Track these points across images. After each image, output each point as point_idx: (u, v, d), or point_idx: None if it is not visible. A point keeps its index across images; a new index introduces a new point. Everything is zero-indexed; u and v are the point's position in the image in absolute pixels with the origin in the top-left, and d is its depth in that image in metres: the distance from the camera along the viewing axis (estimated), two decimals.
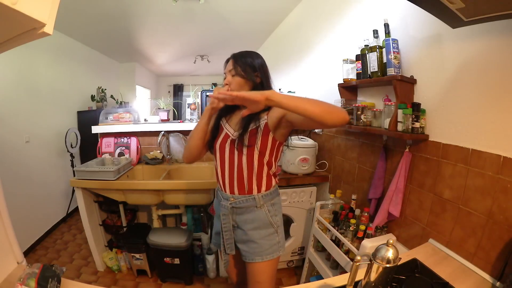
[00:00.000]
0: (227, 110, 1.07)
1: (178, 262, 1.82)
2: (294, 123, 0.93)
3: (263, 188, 1.02)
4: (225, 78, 1.02)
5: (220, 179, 1.05)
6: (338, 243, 1.36)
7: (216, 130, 1.08)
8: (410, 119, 1.11)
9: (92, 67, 3.97)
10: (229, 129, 1.04)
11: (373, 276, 0.60)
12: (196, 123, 2.45)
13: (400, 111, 1.12)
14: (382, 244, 0.60)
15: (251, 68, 0.99)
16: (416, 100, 1.17)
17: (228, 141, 1.01)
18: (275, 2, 2.43)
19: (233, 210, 1.02)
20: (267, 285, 1.04)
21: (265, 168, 1.01)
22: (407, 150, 1.19)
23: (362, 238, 1.21)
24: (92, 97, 3.78)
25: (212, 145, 1.07)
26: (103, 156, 2.12)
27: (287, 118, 0.92)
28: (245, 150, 0.97)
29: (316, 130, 2.04)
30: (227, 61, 1.03)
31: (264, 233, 1.02)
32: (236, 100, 0.79)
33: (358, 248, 1.20)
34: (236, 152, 0.99)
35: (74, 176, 1.82)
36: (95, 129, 2.19)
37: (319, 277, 1.55)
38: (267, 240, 1.02)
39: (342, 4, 1.74)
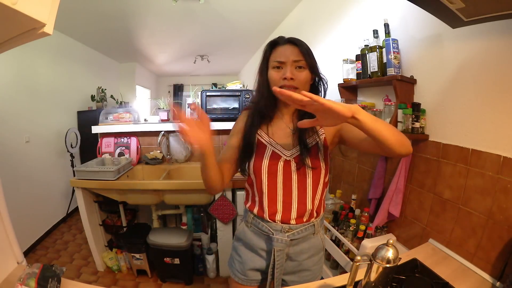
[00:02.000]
0: (259, 118, 0.86)
1: (178, 262, 1.82)
2: (347, 141, 0.81)
3: (322, 211, 0.87)
4: (276, 67, 0.79)
5: (269, 208, 0.83)
6: (338, 243, 1.36)
7: (250, 145, 0.84)
8: (410, 119, 1.11)
9: (92, 67, 3.97)
10: (276, 145, 0.83)
11: (373, 276, 0.60)
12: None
13: (400, 111, 1.12)
14: (382, 244, 0.60)
15: (316, 62, 0.81)
16: (416, 100, 1.17)
17: (281, 163, 0.81)
18: (276, 2, 2.43)
19: (290, 242, 0.83)
20: None
21: (326, 189, 0.87)
22: None
23: (362, 238, 1.21)
24: (92, 97, 3.78)
25: (246, 165, 0.86)
26: (103, 156, 2.12)
27: (342, 135, 0.81)
28: (309, 173, 0.81)
29: None
30: (273, 45, 0.81)
31: (317, 259, 0.89)
32: (310, 107, 0.59)
33: (358, 248, 1.20)
34: (295, 176, 0.81)
35: (74, 176, 1.82)
36: (95, 129, 2.19)
37: None
38: (318, 264, 0.91)
39: (342, 4, 1.74)
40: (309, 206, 0.82)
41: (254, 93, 0.90)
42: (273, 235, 0.82)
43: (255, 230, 0.88)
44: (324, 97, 0.82)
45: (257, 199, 0.86)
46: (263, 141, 0.84)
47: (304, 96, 0.56)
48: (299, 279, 0.88)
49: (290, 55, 0.77)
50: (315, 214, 0.85)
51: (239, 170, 0.90)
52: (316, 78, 0.84)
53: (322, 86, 0.86)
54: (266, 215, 0.83)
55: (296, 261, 0.86)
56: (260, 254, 0.89)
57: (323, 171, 0.82)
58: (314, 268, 0.89)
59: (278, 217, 0.82)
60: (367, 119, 0.61)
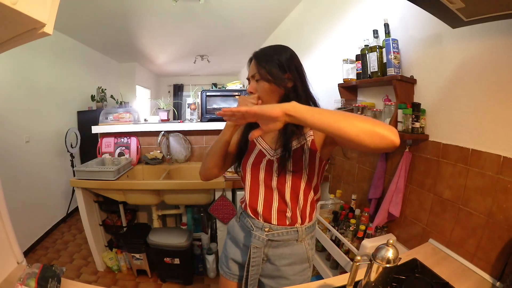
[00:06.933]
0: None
1: (178, 262, 1.82)
2: (337, 141, 0.76)
3: (307, 218, 0.85)
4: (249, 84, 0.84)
5: (251, 204, 0.86)
6: (338, 243, 1.36)
7: (244, 143, 0.90)
8: (410, 119, 1.11)
9: (92, 67, 3.97)
10: (264, 144, 0.86)
11: (373, 276, 0.60)
12: (197, 122, 2.42)
13: (400, 111, 1.12)
14: (382, 244, 0.60)
15: (279, 68, 0.78)
16: (416, 100, 1.17)
17: (264, 162, 0.83)
18: (276, 2, 2.43)
19: (268, 243, 0.84)
20: None
21: (312, 194, 0.84)
22: (407, 150, 1.19)
23: (362, 238, 1.21)
24: (92, 97, 3.79)
25: (240, 162, 0.91)
26: (103, 156, 2.12)
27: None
28: (289, 177, 0.80)
29: None
30: (250, 61, 0.85)
31: (299, 268, 0.87)
32: (247, 117, 0.62)
33: (358, 248, 1.20)
34: (275, 177, 0.82)
35: (74, 176, 1.82)
36: (95, 129, 2.19)
37: (319, 277, 1.55)
38: (300, 275, 0.87)
39: (342, 4, 1.74)
40: (289, 206, 0.81)
41: None
42: (253, 231, 0.85)
43: (241, 224, 0.92)
44: (308, 101, 0.80)
45: (244, 193, 0.91)
46: (254, 140, 0.88)
47: (226, 112, 0.62)
48: (277, 285, 0.86)
49: (250, 71, 0.82)
50: (299, 220, 0.83)
51: (231, 176, 0.93)
52: (295, 84, 0.79)
53: (300, 90, 0.79)
54: (248, 210, 0.87)
55: (274, 265, 0.86)
56: (241, 248, 0.92)
57: (305, 175, 0.80)
58: (294, 278, 0.86)
59: (260, 214, 0.84)
60: (307, 113, 0.57)
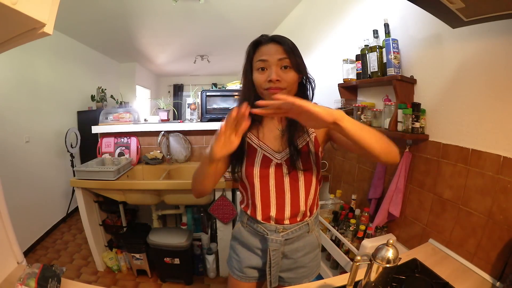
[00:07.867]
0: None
1: (178, 262, 1.83)
2: (336, 140, 0.81)
3: (315, 209, 0.87)
4: (261, 68, 0.74)
5: (262, 210, 0.83)
6: (338, 243, 1.36)
7: (240, 150, 0.79)
8: (410, 119, 1.10)
9: (92, 67, 3.97)
10: (266, 148, 0.81)
11: (373, 276, 0.60)
12: (197, 122, 2.40)
13: (400, 111, 1.12)
14: (382, 244, 0.60)
15: (303, 60, 0.76)
16: (416, 100, 1.17)
17: (272, 166, 0.80)
18: (276, 2, 2.43)
19: (285, 242, 0.84)
20: None
21: (318, 188, 0.86)
22: (407, 150, 1.19)
23: (362, 238, 1.21)
24: (92, 97, 3.78)
25: (237, 170, 0.85)
26: (103, 156, 2.12)
27: (330, 133, 0.81)
28: (301, 175, 0.80)
29: None
30: (256, 45, 0.77)
31: (312, 255, 0.90)
32: (292, 110, 0.58)
33: (358, 248, 1.20)
34: (287, 179, 0.80)
35: (74, 176, 1.82)
36: (95, 129, 2.19)
37: (319, 277, 1.55)
38: (314, 261, 0.92)
39: (342, 4, 1.74)
40: (302, 207, 0.82)
41: (240, 95, 0.85)
42: (267, 235, 0.83)
43: (250, 230, 0.88)
44: (312, 97, 0.84)
45: (250, 202, 0.86)
46: (253, 145, 0.82)
47: (279, 98, 0.56)
48: (296, 275, 0.89)
49: (274, 53, 0.73)
50: (308, 214, 0.85)
51: (231, 177, 0.89)
52: (304, 77, 0.80)
53: (310, 86, 0.82)
54: (259, 218, 0.84)
55: (291, 259, 0.87)
56: (256, 253, 0.90)
57: (314, 172, 0.82)
58: (310, 265, 0.90)
59: (272, 218, 0.82)
60: (352, 127, 0.59)
